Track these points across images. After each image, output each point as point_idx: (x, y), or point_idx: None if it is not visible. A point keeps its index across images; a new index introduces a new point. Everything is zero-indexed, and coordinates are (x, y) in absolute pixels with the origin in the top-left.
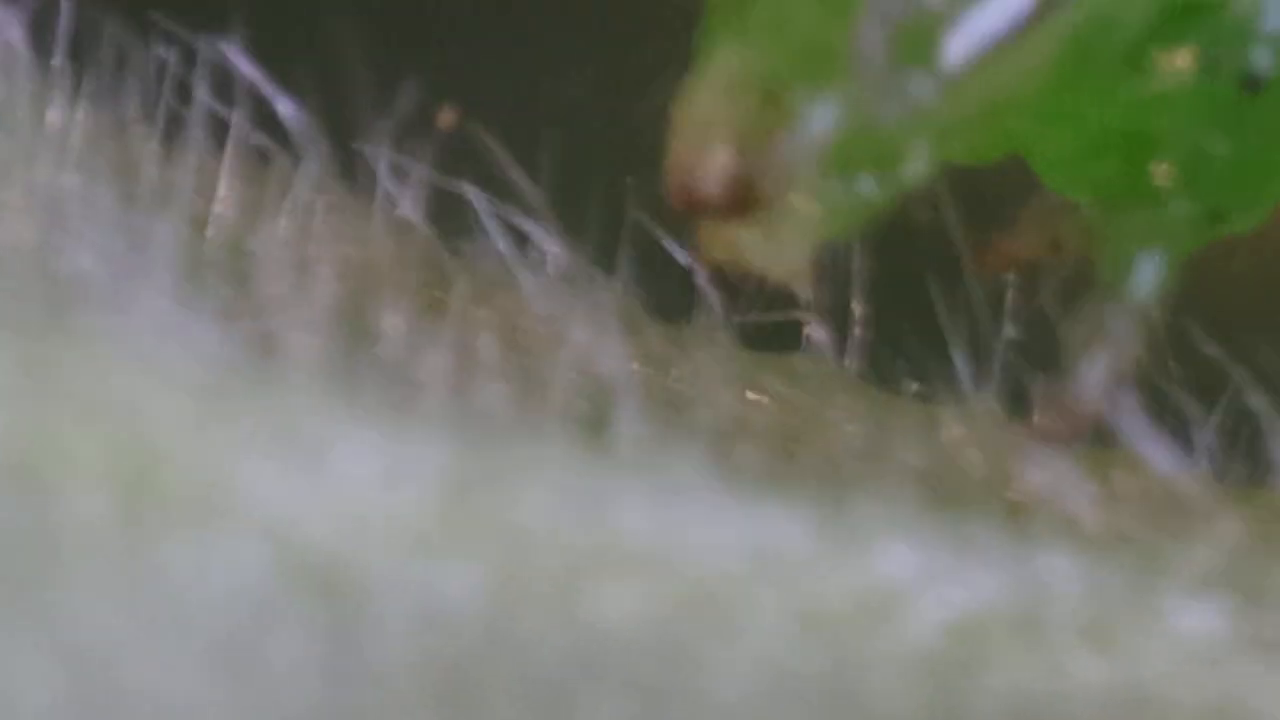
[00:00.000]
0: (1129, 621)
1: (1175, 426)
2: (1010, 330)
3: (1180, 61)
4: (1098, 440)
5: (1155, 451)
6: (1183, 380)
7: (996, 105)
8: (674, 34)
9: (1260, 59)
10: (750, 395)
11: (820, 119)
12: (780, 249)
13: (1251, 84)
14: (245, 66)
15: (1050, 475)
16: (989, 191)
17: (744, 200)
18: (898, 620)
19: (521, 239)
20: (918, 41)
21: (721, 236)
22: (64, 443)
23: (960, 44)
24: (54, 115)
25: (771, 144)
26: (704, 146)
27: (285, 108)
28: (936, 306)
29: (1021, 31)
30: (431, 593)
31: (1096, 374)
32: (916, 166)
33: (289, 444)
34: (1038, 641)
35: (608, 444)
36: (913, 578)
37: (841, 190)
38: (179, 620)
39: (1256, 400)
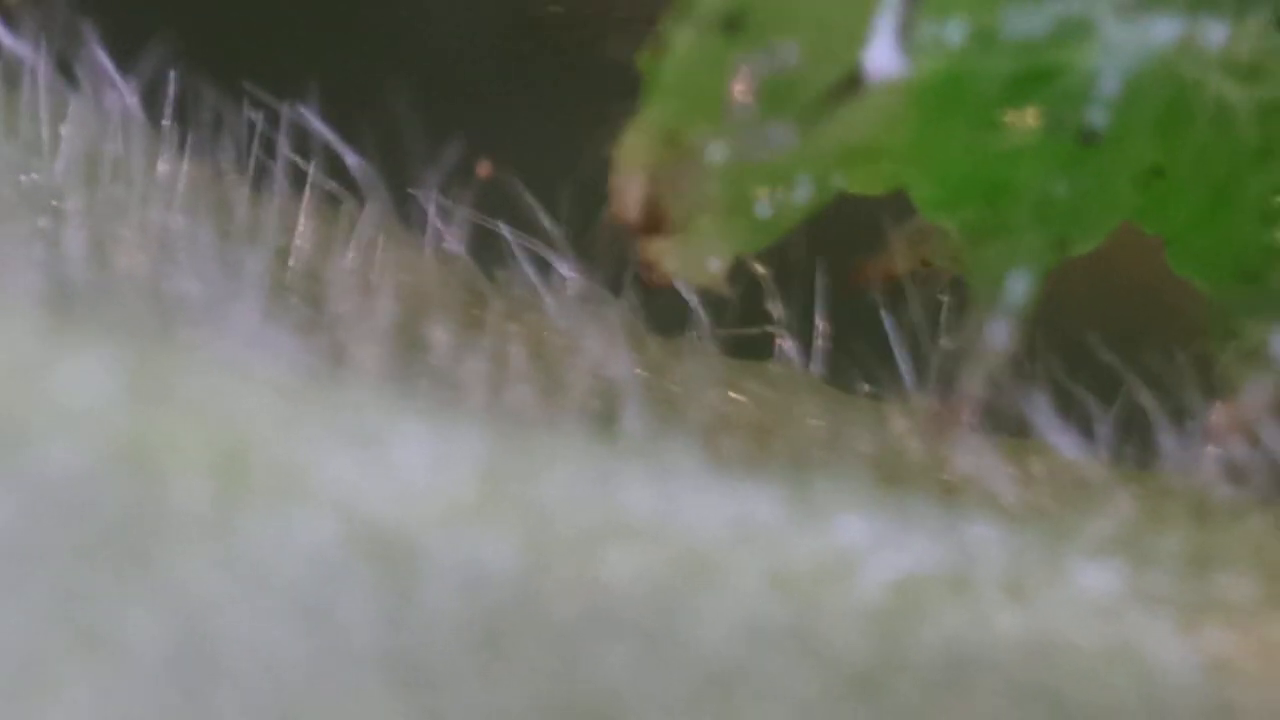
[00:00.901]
0: (1041, 580)
1: (1080, 421)
2: (945, 341)
3: (1028, 119)
4: (1017, 432)
5: (1063, 441)
6: (1087, 382)
7: (871, 149)
8: None
9: (1097, 117)
10: (732, 395)
11: (712, 156)
12: (696, 262)
13: (1090, 137)
14: (319, 126)
15: (977, 460)
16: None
17: (655, 222)
18: (851, 579)
19: (545, 267)
20: (778, 96)
21: (652, 251)
22: (170, 434)
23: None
24: (163, 166)
25: (675, 177)
26: (628, 180)
27: (352, 160)
28: (885, 322)
29: (875, 86)
30: (471, 558)
31: (978, 373)
32: (802, 194)
33: (355, 435)
34: (966, 597)
35: (615, 435)
36: (864, 543)
37: (741, 214)
38: (264, 580)
39: (1146, 399)
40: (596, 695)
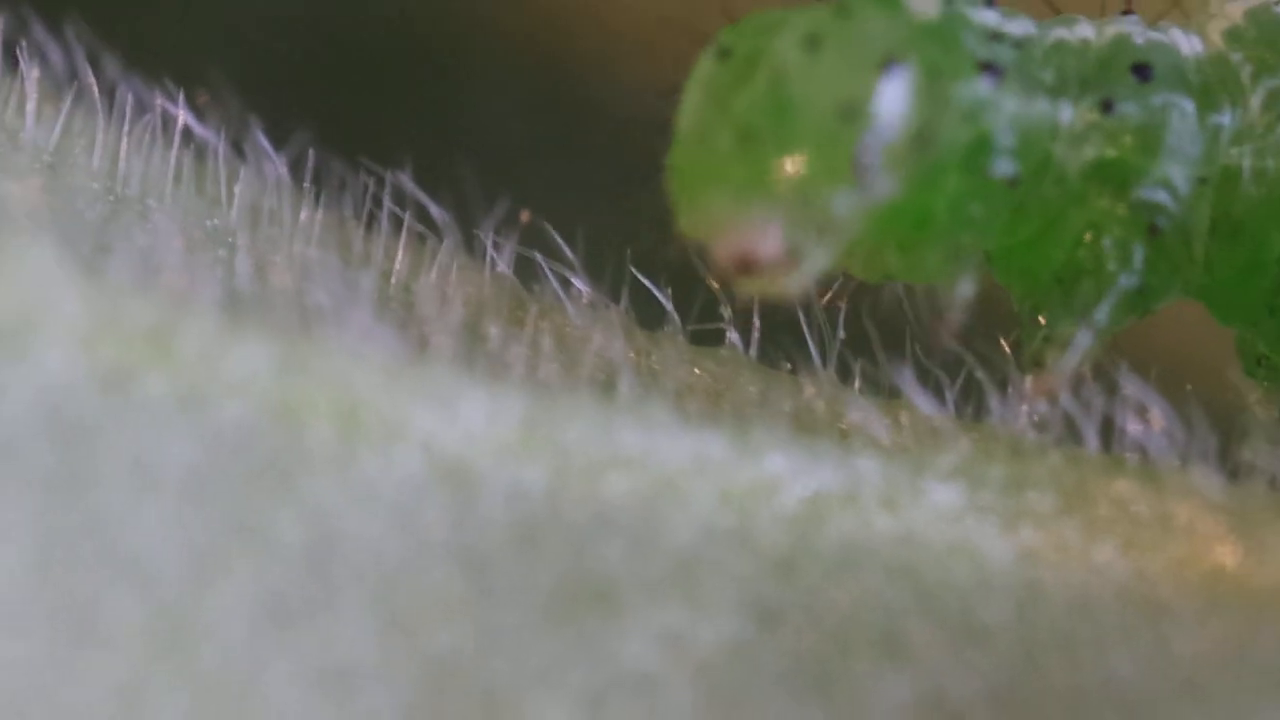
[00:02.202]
0: (907, 497)
1: (934, 387)
2: (840, 333)
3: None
4: (890, 395)
5: (922, 401)
6: (939, 361)
7: None
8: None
9: (1008, 168)
10: (695, 371)
11: (839, 206)
12: (794, 283)
13: (1013, 182)
14: (411, 187)
15: (863, 415)
16: None
17: (790, 262)
18: (776, 495)
19: (566, 283)
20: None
21: (757, 282)
22: (309, 397)
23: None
24: (304, 214)
25: (807, 222)
26: (761, 231)
27: (434, 211)
28: (800, 322)
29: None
30: (513, 480)
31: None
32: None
33: (435, 398)
34: (854, 507)
35: (614, 397)
36: (784, 471)
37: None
38: (371, 495)
39: (980, 372)
40: (599, 575)
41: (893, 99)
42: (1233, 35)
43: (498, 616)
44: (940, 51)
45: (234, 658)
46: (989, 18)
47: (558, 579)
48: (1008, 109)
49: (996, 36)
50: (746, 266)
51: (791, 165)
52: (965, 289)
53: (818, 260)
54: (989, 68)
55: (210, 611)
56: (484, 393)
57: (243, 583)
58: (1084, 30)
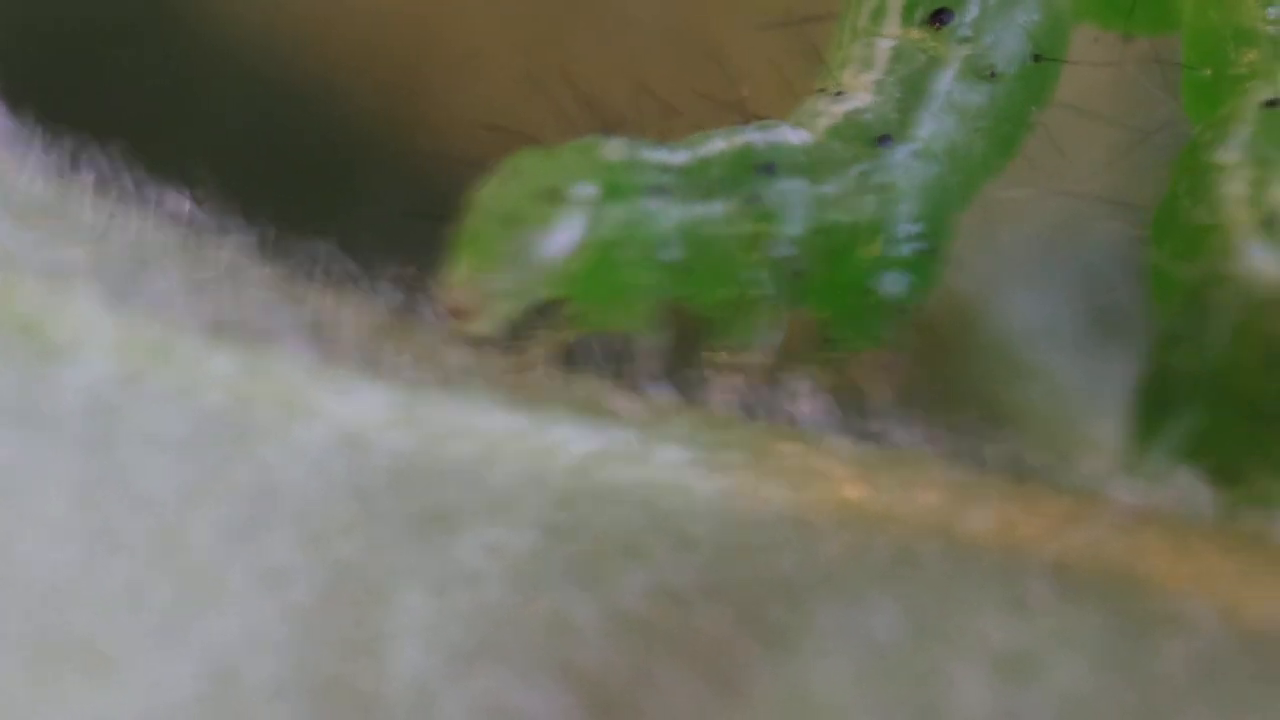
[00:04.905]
0: (647, 454)
1: (684, 384)
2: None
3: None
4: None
5: (658, 392)
6: (672, 369)
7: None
8: None
9: (672, 253)
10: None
11: (505, 285)
12: (483, 324)
13: (679, 263)
14: (336, 254)
15: (622, 401)
16: None
17: (475, 309)
18: (561, 453)
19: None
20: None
21: (460, 321)
22: (261, 389)
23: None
24: (263, 272)
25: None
26: (463, 291)
27: (350, 268)
28: (588, 345)
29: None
30: (392, 444)
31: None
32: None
33: (341, 391)
34: (614, 461)
35: (457, 392)
36: (568, 438)
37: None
38: (301, 454)
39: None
40: (445, 505)
41: (559, 221)
42: (833, 131)
43: (379, 532)
44: (622, 180)
45: (207, 560)
46: (657, 155)
47: (418, 508)
48: (673, 215)
49: (664, 169)
50: (454, 313)
51: (485, 255)
52: (660, 333)
53: (497, 313)
54: (658, 189)
55: (193, 529)
56: (374, 387)
57: (214, 510)
58: (718, 144)
